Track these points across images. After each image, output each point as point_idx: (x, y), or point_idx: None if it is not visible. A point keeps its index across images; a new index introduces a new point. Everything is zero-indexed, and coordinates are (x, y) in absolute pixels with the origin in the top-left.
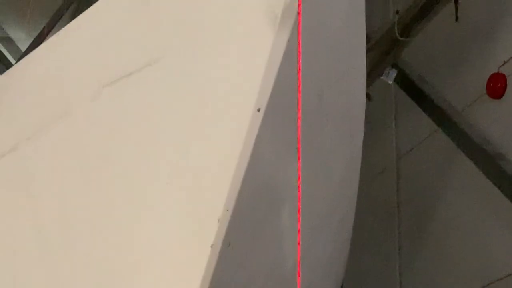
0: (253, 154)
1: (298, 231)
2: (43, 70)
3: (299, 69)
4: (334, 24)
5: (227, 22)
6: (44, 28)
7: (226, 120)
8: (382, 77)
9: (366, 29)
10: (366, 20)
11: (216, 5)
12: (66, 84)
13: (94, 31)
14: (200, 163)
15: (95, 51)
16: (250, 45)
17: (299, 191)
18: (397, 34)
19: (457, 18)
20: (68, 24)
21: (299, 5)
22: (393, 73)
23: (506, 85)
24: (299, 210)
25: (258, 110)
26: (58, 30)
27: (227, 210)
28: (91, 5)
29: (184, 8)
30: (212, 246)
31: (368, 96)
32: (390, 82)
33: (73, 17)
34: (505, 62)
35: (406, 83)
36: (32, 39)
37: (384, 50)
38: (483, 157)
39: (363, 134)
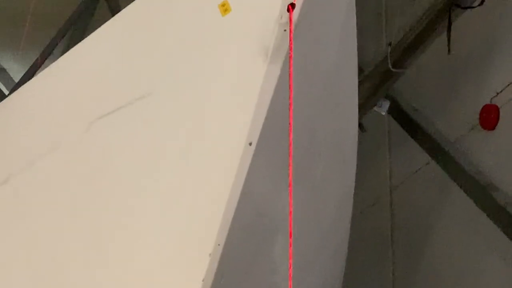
0: (245, 188)
1: (290, 265)
2: (36, 102)
3: (291, 103)
4: (326, 58)
5: (218, 58)
6: (37, 59)
7: (218, 154)
8: (375, 108)
9: (359, 60)
10: (359, 52)
11: (206, 39)
12: (59, 116)
13: (86, 65)
14: (191, 198)
15: (87, 85)
16: (241, 80)
17: (290, 224)
18: (390, 66)
19: (449, 50)
20: (60, 57)
21: (290, 40)
22: (386, 104)
23: (498, 116)
24: (290, 244)
25: (250, 144)
26: (52, 61)
27: (219, 245)
28: (84, 37)
29: (174, 42)
30: (203, 280)
31: (361, 127)
32: (384, 113)
33: (66, 48)
34: (497, 93)
35: (399, 114)
36: (25, 70)
37: (377, 81)
38: (476, 188)
39: (355, 166)
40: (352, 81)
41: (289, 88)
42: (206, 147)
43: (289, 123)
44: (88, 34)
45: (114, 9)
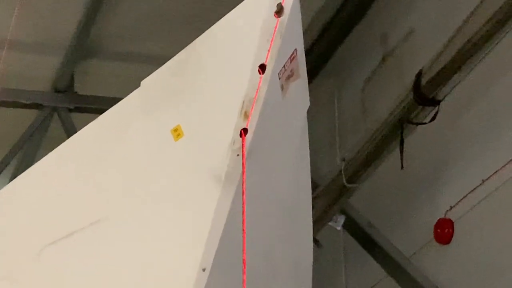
0: None
1: None
2: None
3: (244, 229)
4: (281, 180)
5: (171, 183)
6: None
7: (171, 280)
8: (330, 223)
9: (314, 175)
10: (314, 167)
11: (159, 163)
12: (7, 245)
13: (37, 190)
14: None
15: (37, 211)
16: (194, 205)
17: None
18: (344, 181)
19: (402, 165)
20: (10, 183)
21: (243, 166)
22: (342, 219)
23: (453, 230)
24: None
25: (203, 270)
26: (3, 179)
27: None
28: (37, 154)
29: (127, 167)
30: None
31: (317, 243)
32: (339, 228)
33: (19, 165)
34: (451, 207)
35: (354, 229)
36: None
37: (332, 196)
38: None
39: (311, 284)
40: (307, 201)
41: (242, 213)
42: (160, 273)
43: (243, 248)
44: (41, 151)
45: (68, 126)
